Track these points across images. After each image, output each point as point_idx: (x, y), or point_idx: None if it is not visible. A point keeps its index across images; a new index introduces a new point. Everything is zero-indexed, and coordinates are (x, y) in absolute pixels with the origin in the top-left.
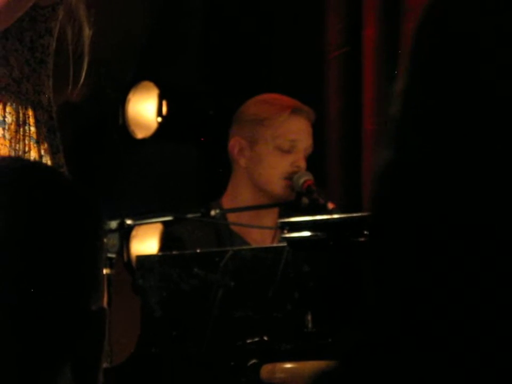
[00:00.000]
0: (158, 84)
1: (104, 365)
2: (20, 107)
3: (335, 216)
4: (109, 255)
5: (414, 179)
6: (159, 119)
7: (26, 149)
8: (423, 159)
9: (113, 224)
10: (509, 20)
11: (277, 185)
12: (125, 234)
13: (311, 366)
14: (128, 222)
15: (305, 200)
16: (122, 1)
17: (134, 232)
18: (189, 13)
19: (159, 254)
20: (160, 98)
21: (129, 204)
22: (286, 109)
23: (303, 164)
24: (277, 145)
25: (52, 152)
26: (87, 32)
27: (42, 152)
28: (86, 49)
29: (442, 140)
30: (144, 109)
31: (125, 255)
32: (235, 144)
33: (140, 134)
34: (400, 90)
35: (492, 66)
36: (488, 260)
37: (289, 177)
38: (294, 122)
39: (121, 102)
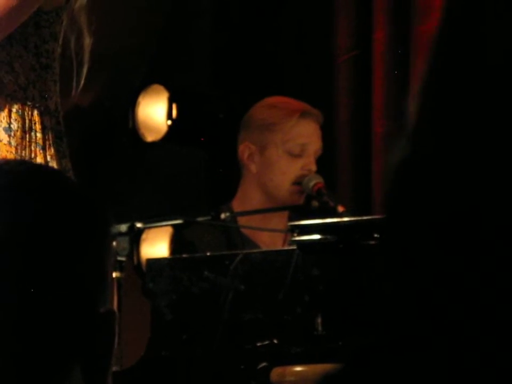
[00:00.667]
0: (168, 87)
1: (114, 368)
2: (26, 113)
3: (345, 219)
4: (119, 258)
5: (430, 177)
6: (169, 122)
7: (33, 155)
8: (438, 157)
9: (123, 227)
10: None
11: (286, 192)
12: (135, 238)
13: (321, 369)
14: (138, 225)
15: (315, 203)
16: (132, 4)
17: (144, 236)
18: (199, 16)
19: (169, 257)
20: (170, 101)
21: (139, 207)
22: (295, 113)
23: (314, 167)
24: (286, 149)
25: (59, 158)
26: (87, 40)
27: (48, 158)
28: (86, 57)
29: (458, 138)
30: (154, 112)
31: (135, 258)
32: (245, 149)
33: (150, 137)
34: (418, 88)
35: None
36: (506, 259)
37: (299, 182)
38: (303, 126)
39: (131, 105)
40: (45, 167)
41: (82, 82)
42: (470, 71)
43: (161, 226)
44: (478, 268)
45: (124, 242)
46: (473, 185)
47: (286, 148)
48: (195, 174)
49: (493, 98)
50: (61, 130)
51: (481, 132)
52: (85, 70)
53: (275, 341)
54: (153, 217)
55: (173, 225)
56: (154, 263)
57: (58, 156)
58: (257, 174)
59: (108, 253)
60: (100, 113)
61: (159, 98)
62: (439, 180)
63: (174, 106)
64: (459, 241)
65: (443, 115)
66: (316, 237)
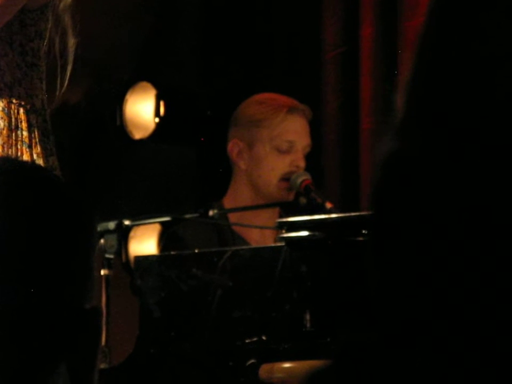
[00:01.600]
0: (156, 85)
1: (103, 365)
2: (12, 112)
3: (333, 215)
4: (107, 255)
5: (416, 169)
6: (157, 120)
7: (19, 153)
8: (425, 151)
9: (112, 224)
10: None
11: (275, 188)
12: (123, 235)
13: (309, 365)
14: (127, 222)
15: (303, 200)
16: (120, 2)
17: (132, 233)
18: (187, 13)
19: (158, 254)
20: (158, 99)
21: (127, 205)
22: (282, 108)
23: (302, 163)
24: (274, 146)
25: (46, 155)
26: (72, 41)
27: (34, 156)
28: (71, 57)
29: (445, 132)
30: (142, 109)
31: (123, 255)
32: (234, 146)
33: (138, 135)
34: (405, 84)
35: (496, 63)
36: (489, 247)
37: (288, 178)
38: (291, 122)
39: (119, 103)
40: (29, 164)
41: (66, 82)
42: (456, 66)
43: (150, 223)
44: (465, 261)
45: (112, 240)
46: (460, 179)
47: (274, 144)
48: (183, 171)
49: (480, 92)
50: (47, 128)
51: (468, 126)
52: (68, 70)
53: (263, 338)
54: (142, 215)
55: (161, 223)
56: (142, 260)
57: (45, 153)
58: (246, 170)
59: (93, 249)
60: (88, 110)
61: (147, 95)
62: (427, 174)
63: (161, 103)
64: (447, 235)
65: (430, 110)
66: (304, 233)
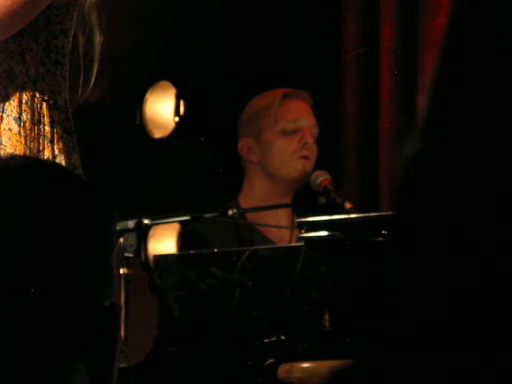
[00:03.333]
0: (176, 84)
1: (122, 364)
2: (35, 105)
3: (353, 215)
4: (127, 254)
5: (441, 172)
6: (177, 119)
7: (41, 148)
8: (450, 153)
9: (131, 223)
10: None
11: (289, 168)
12: (143, 234)
13: (328, 365)
14: (146, 221)
15: (322, 199)
16: (140, 1)
17: (151, 232)
18: (207, 12)
19: (177, 253)
20: (178, 98)
21: (146, 204)
22: (277, 95)
23: (310, 140)
24: (280, 129)
25: (68, 153)
26: (98, 38)
27: (56, 151)
28: (97, 55)
29: (469, 133)
30: (162, 108)
31: (143, 254)
32: (243, 145)
33: (157, 134)
34: (430, 83)
35: None
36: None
37: (300, 156)
38: (289, 104)
39: (139, 102)
40: (49, 161)
41: (92, 80)
42: (480, 67)
43: (169, 222)
44: (488, 263)
45: (131, 239)
46: (484, 180)
47: (279, 127)
48: (202, 171)
49: (504, 93)
50: (70, 126)
51: (492, 127)
52: (95, 68)
53: (282, 337)
54: (161, 214)
55: (181, 222)
56: (161, 259)
57: (67, 151)
58: (259, 161)
59: (112, 246)
60: (108, 109)
61: (167, 94)
62: (451, 175)
63: (181, 102)
64: (471, 237)
65: (454, 111)
66: (323, 233)
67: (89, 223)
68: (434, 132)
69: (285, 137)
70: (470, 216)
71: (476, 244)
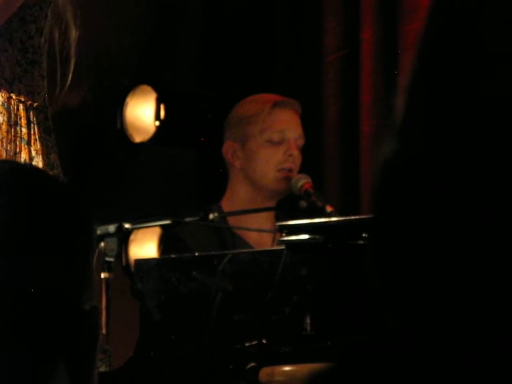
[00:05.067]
0: (156, 88)
1: (103, 368)
2: (11, 107)
3: (334, 219)
4: (107, 259)
5: (417, 171)
6: (157, 123)
7: (17, 149)
8: (426, 152)
9: (112, 228)
10: None
11: (272, 179)
12: (124, 238)
13: (309, 369)
14: (127, 226)
15: (303, 203)
16: (120, 5)
17: (132, 236)
18: (187, 16)
19: (158, 257)
20: (158, 102)
21: (127, 208)
22: (268, 103)
23: (295, 152)
24: (266, 138)
25: (46, 153)
26: (73, 34)
27: (33, 153)
28: (73, 51)
29: (448, 135)
30: (142, 112)
31: (124, 259)
32: (228, 148)
33: (138, 138)
34: (406, 84)
35: (496, 65)
36: (494, 254)
37: (284, 168)
38: (279, 114)
39: (119, 106)
40: (27, 165)
41: (70, 77)
42: (457, 68)
43: (150, 226)
44: (470, 265)
45: (112, 243)
46: (464, 182)
47: (265, 136)
48: (183, 175)
49: (482, 94)
50: (49, 125)
51: (471, 128)
52: (72, 63)
53: (264, 341)
54: (142, 218)
55: (162, 226)
56: (142, 263)
57: (46, 151)
58: (242, 168)
59: (92, 249)
60: (88, 114)
61: (147, 98)
62: (429, 177)
63: (162, 106)
64: (450, 239)
65: (432, 112)
66: (304, 237)
67: (68, 227)
68: (411, 134)
69: (270, 147)
70: (449, 218)
71: (455, 247)
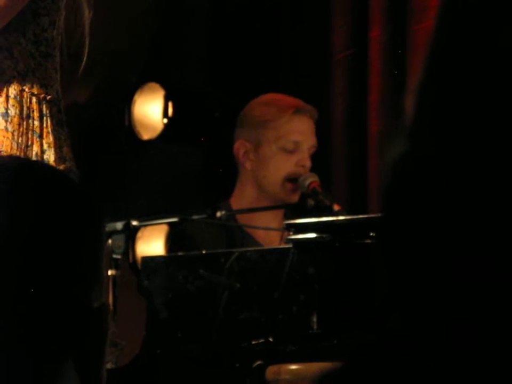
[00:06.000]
0: (164, 85)
1: (110, 366)
2: (24, 100)
3: (341, 217)
4: (115, 256)
5: (427, 171)
6: (165, 121)
7: (29, 143)
8: (435, 152)
9: (119, 225)
10: None
11: (281, 188)
12: (131, 236)
13: (316, 367)
14: (134, 223)
15: (310, 201)
16: (128, 2)
17: (139, 234)
18: (195, 14)
19: (165, 255)
20: (166, 99)
21: (135, 205)
22: (288, 109)
23: (308, 163)
24: (280, 146)
25: (59, 146)
26: (86, 13)
27: (45, 146)
28: (87, 30)
29: (458, 135)
30: (150, 110)
31: (131, 256)
32: (240, 147)
33: (146, 136)
34: (416, 84)
35: (508, 66)
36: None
37: (294, 179)
38: (297, 123)
39: (127, 103)
40: (38, 162)
41: (85, 55)
42: (468, 68)
43: (157, 224)
44: (479, 265)
45: (120, 240)
46: (472, 182)
47: (280, 144)
48: (191, 172)
49: (492, 94)
50: (62, 118)
51: (481, 128)
52: (86, 45)
53: (270, 339)
54: (149, 215)
55: (169, 223)
56: (149, 261)
57: (59, 143)
58: (252, 171)
59: (101, 247)
60: (96, 111)
61: (155, 96)
62: (438, 177)
63: (170, 104)
64: (459, 239)
65: (442, 113)
66: (312, 235)
67: (78, 224)
68: (421, 134)
69: (284, 155)
70: (457, 218)
71: (463, 247)
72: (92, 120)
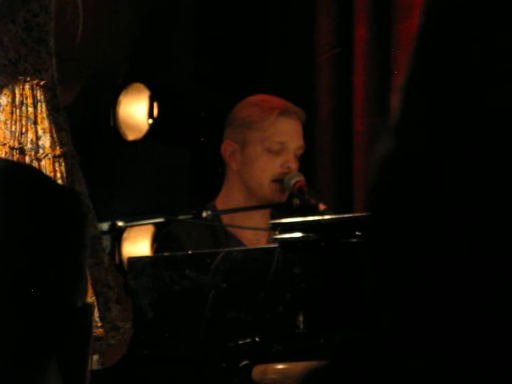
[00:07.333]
0: (149, 86)
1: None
2: (16, 88)
3: (327, 217)
4: None
5: (414, 169)
6: (150, 121)
7: (23, 130)
8: (422, 149)
9: (105, 226)
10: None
11: (267, 188)
12: (117, 236)
13: (302, 366)
14: (120, 223)
15: (296, 201)
16: (113, 3)
17: (125, 234)
18: (180, 14)
19: (151, 255)
20: (151, 100)
21: (120, 206)
22: (274, 110)
23: (294, 165)
24: (266, 147)
25: (56, 130)
26: None
27: (40, 132)
28: (80, 7)
29: (442, 130)
30: (135, 110)
31: (117, 256)
32: (227, 147)
33: (131, 136)
34: (403, 82)
35: (492, 65)
36: (489, 253)
37: (280, 179)
38: (283, 124)
39: (112, 104)
40: (21, 164)
41: (80, 29)
42: (455, 65)
43: (143, 224)
44: (465, 263)
45: (105, 241)
46: (459, 178)
47: (266, 145)
48: (177, 173)
49: (479, 92)
50: (58, 103)
51: (468, 124)
52: (80, 18)
53: (257, 339)
54: (135, 216)
55: (155, 224)
56: (135, 261)
57: (56, 128)
58: (239, 171)
59: (84, 248)
60: (81, 112)
61: (140, 97)
62: (425, 174)
63: (155, 105)
64: (446, 237)
65: (429, 109)
66: (298, 235)
67: (62, 225)
68: (409, 131)
69: (269, 156)
70: (444, 215)
71: (450, 244)
72: (77, 121)
